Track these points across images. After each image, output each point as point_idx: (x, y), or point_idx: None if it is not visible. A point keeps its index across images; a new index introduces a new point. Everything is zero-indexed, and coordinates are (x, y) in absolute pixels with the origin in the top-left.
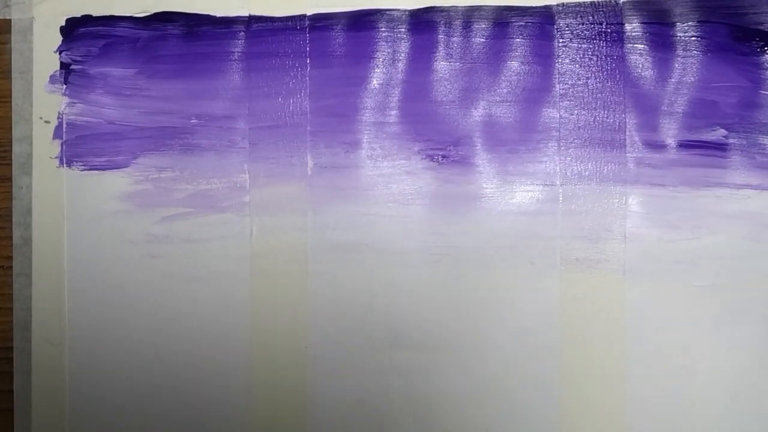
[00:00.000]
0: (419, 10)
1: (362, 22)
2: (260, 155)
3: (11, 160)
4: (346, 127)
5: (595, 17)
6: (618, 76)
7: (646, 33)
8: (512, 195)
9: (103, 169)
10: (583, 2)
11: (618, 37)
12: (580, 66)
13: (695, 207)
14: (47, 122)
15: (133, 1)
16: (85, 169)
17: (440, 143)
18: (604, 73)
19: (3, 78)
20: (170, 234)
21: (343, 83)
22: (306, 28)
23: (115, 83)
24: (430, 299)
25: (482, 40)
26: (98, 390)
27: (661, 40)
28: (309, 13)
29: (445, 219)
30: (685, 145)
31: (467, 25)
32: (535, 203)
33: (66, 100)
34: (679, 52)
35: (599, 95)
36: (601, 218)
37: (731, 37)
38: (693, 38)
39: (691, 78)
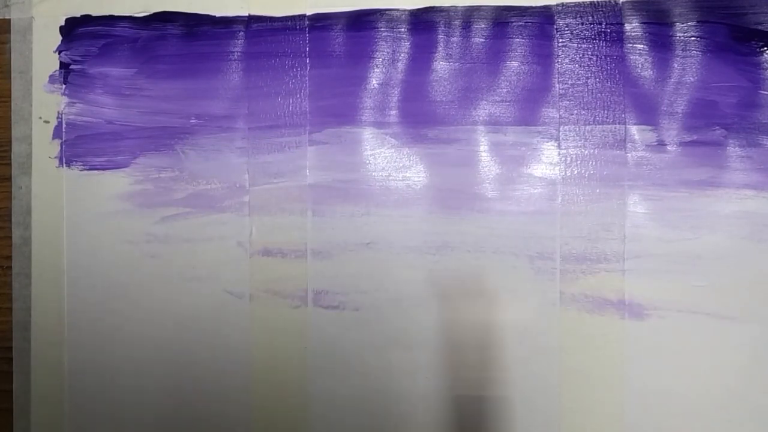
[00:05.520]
0: (419, 10)
1: (362, 22)
2: (260, 155)
3: (11, 160)
4: (346, 126)
5: (595, 17)
6: (618, 76)
7: (645, 33)
8: (512, 195)
9: (103, 169)
10: (583, 2)
11: (618, 37)
12: (580, 66)
13: (695, 207)
14: (47, 122)
15: (132, 1)
16: (84, 169)
17: (440, 143)
18: (604, 73)
19: (2, 78)
20: (170, 234)
21: (342, 83)
22: (305, 28)
23: (114, 83)
24: (430, 299)
25: (482, 40)
26: (97, 390)
27: (661, 40)
28: (308, 12)
29: (445, 219)
30: (684, 145)
31: (467, 25)
32: (535, 203)
33: (65, 99)
34: (679, 52)
35: (599, 95)
36: (601, 218)
37: (731, 37)
38: (692, 38)
39: (691, 78)
